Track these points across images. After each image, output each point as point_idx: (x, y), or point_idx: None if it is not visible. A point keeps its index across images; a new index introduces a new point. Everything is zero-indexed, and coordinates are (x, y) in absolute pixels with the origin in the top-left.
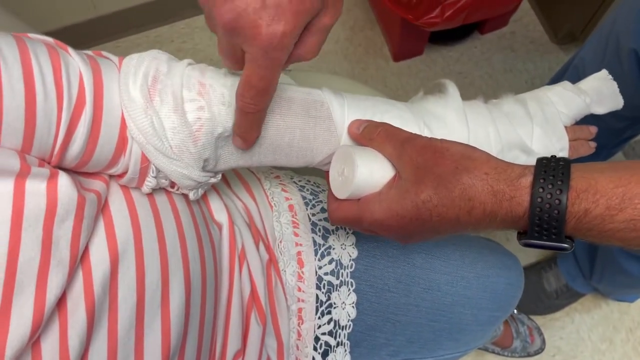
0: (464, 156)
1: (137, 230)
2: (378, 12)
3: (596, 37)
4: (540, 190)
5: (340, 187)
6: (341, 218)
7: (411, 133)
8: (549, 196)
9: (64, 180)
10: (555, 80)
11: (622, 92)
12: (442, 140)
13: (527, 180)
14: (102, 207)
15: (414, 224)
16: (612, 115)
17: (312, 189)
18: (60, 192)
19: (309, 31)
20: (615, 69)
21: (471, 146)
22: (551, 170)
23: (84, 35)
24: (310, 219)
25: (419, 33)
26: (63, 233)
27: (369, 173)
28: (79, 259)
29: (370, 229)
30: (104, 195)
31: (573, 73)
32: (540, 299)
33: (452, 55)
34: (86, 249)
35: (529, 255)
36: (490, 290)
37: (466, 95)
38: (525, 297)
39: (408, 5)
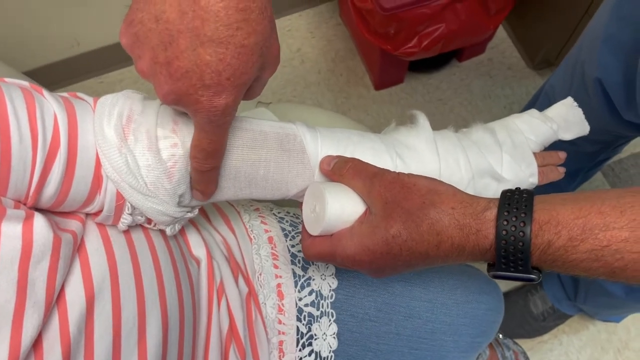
0: (431, 190)
1: (114, 268)
2: (358, 43)
3: (564, 66)
4: (505, 223)
5: (312, 223)
6: (315, 254)
7: (380, 168)
8: (513, 229)
9: (39, 221)
10: (530, 105)
11: (590, 118)
12: (409, 175)
13: (492, 213)
14: (78, 246)
15: (385, 258)
16: (585, 139)
17: (291, 220)
18: (35, 233)
19: (250, 85)
20: (582, 96)
21: (438, 180)
22: (515, 203)
23: (67, 71)
24: (289, 251)
25: (399, 62)
26: (39, 274)
27: (340, 209)
28: (55, 299)
29: (343, 264)
30: (80, 235)
31: (544, 99)
32: (528, 321)
33: (431, 83)
34: (62, 288)
35: None
36: (471, 316)
37: (447, 121)
38: (512, 321)
39: (386, 37)
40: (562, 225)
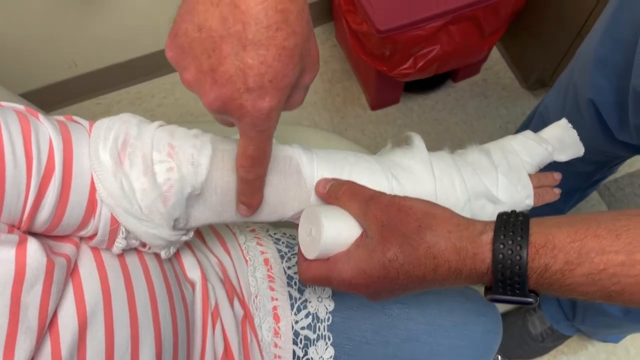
0: (427, 214)
1: (107, 293)
2: (354, 64)
3: (557, 87)
4: (501, 246)
5: (309, 247)
6: (311, 278)
7: (375, 191)
8: (509, 252)
9: (33, 246)
10: (525, 125)
11: (584, 139)
12: (404, 197)
13: (488, 236)
14: (72, 270)
15: (382, 282)
16: (580, 160)
17: (287, 241)
18: (29, 257)
19: (292, 91)
20: (575, 117)
21: (433, 203)
22: (511, 226)
23: (65, 93)
24: (285, 272)
25: (394, 83)
26: (32, 299)
27: (335, 233)
28: (48, 324)
29: (340, 288)
30: (74, 259)
31: (539, 120)
32: (527, 342)
33: (427, 103)
34: (55, 313)
35: None
36: (469, 338)
37: (442, 141)
38: (511, 342)
39: (382, 58)
40: (559, 249)
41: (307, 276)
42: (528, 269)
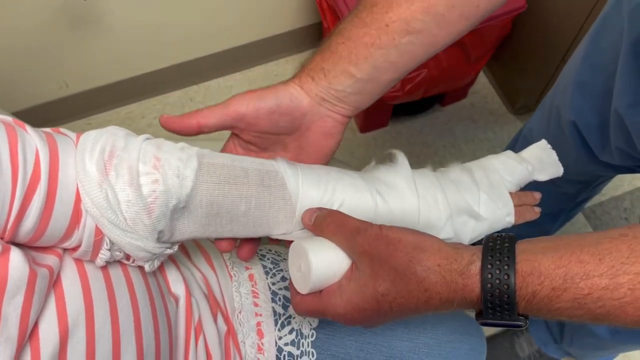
0: (417, 247)
1: (89, 304)
2: None
3: (540, 110)
4: (489, 276)
5: (300, 282)
6: (305, 311)
7: (362, 222)
8: (497, 281)
9: (15, 255)
10: (509, 148)
11: (568, 159)
12: (392, 228)
13: (476, 267)
14: (54, 281)
15: (376, 314)
16: (564, 180)
17: (272, 257)
18: (11, 267)
19: None
20: (559, 138)
21: (422, 234)
22: (497, 255)
23: (55, 113)
24: (270, 288)
25: (383, 106)
26: (12, 309)
27: (325, 267)
28: (28, 335)
29: (335, 320)
30: (57, 270)
31: (523, 142)
32: None
33: (415, 127)
34: (35, 324)
35: None
36: (454, 356)
37: (430, 164)
38: None
39: None
40: (545, 276)
41: (301, 310)
42: (516, 296)
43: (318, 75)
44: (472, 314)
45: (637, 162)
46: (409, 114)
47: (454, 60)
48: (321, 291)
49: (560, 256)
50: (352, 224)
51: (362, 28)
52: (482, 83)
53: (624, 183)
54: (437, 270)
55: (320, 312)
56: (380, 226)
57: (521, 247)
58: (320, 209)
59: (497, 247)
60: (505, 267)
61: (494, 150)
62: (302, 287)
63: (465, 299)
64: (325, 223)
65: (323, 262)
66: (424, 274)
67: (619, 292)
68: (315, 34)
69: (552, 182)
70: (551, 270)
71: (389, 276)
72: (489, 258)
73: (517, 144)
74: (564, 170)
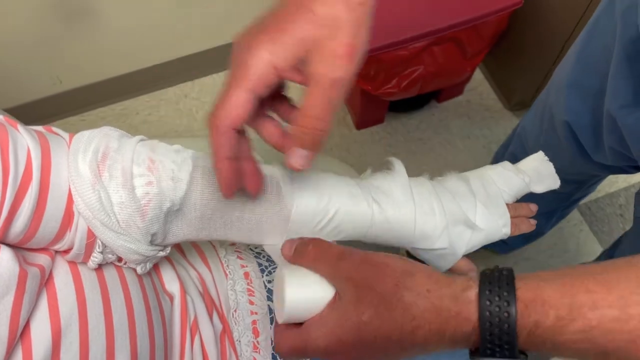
0: (405, 272)
1: (82, 304)
2: None
3: (534, 109)
4: (488, 303)
5: (279, 311)
6: (287, 349)
7: (345, 248)
8: (497, 309)
9: (5, 254)
10: (504, 145)
11: (560, 159)
12: (379, 254)
13: (472, 293)
14: (46, 280)
15: (358, 348)
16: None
17: (268, 255)
18: (0, 266)
19: None
20: (552, 138)
21: (411, 261)
22: (496, 281)
23: (49, 109)
24: (266, 286)
25: (379, 102)
26: (2, 309)
27: (302, 297)
28: (19, 335)
29: (318, 357)
30: (49, 269)
31: (517, 141)
32: None
33: (411, 123)
34: (27, 324)
35: None
36: None
37: (427, 160)
38: None
39: (367, 77)
40: (549, 305)
41: (283, 348)
42: (517, 326)
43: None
44: None
45: (630, 162)
46: (405, 110)
47: (450, 56)
48: (302, 324)
49: (564, 284)
50: (336, 250)
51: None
52: (479, 80)
53: (618, 179)
54: (427, 295)
55: (302, 349)
56: (366, 252)
57: (521, 276)
58: (300, 238)
59: (495, 275)
60: (505, 294)
61: (490, 146)
62: (279, 316)
63: (459, 330)
64: (306, 251)
65: (300, 289)
66: (412, 299)
67: (630, 325)
68: None
69: None
70: (556, 298)
71: (373, 303)
72: (487, 284)
73: (512, 143)
74: (558, 169)
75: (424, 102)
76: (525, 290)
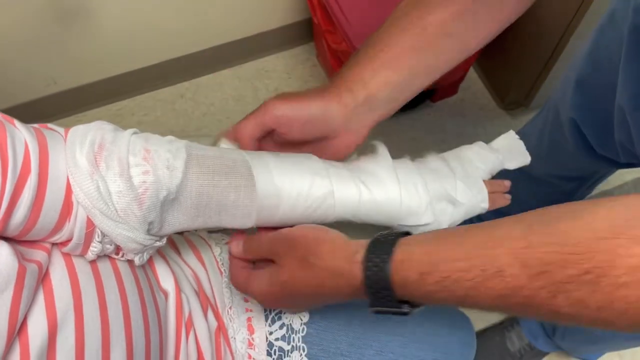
0: (315, 240)
1: (78, 299)
2: None
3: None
4: (370, 264)
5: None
6: (234, 283)
7: (275, 232)
8: (375, 268)
9: (4, 250)
10: None
11: (565, 156)
12: (298, 228)
13: (360, 255)
14: (43, 276)
15: (283, 297)
16: (561, 177)
17: None
18: (0, 262)
19: None
20: (556, 136)
21: (325, 229)
22: (380, 245)
23: (44, 110)
24: None
25: None
26: (2, 303)
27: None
28: (17, 329)
29: (258, 300)
30: (45, 265)
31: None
32: (505, 359)
33: (406, 122)
34: (24, 318)
35: (492, 316)
36: (443, 351)
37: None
38: (489, 359)
39: None
40: (415, 262)
41: (233, 279)
42: (392, 282)
43: (357, 86)
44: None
45: (636, 159)
46: (400, 110)
47: None
48: (253, 263)
49: (430, 244)
50: (266, 236)
51: (401, 33)
52: (473, 79)
53: (613, 176)
54: (327, 258)
55: (244, 290)
56: (289, 229)
57: (405, 240)
58: (245, 239)
59: (382, 240)
60: (384, 256)
61: None
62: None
63: (350, 285)
64: (255, 244)
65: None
66: (316, 262)
67: (471, 273)
68: (306, 30)
69: (550, 182)
70: (421, 257)
71: (291, 266)
72: (372, 248)
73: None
74: (562, 168)
75: (418, 102)
76: (399, 252)
